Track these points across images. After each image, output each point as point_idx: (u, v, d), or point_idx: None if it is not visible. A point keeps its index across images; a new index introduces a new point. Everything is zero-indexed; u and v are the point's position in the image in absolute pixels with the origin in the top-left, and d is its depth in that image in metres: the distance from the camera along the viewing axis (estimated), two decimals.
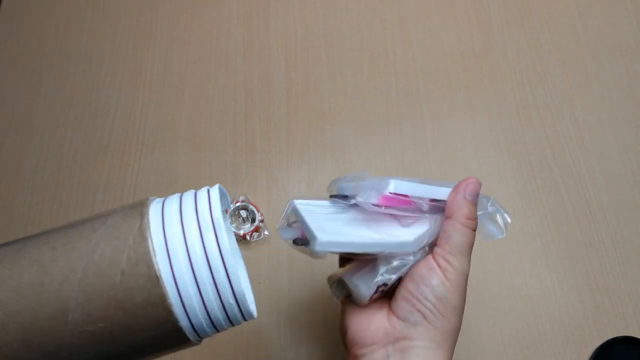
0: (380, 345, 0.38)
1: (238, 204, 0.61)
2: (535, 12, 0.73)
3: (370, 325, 0.39)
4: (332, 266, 0.61)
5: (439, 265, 0.38)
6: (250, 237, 0.61)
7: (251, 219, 0.62)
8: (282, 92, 0.69)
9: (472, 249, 0.40)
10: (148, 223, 0.31)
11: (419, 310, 0.37)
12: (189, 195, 0.34)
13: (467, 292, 0.59)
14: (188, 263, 0.30)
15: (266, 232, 0.61)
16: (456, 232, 0.39)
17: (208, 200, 0.33)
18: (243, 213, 0.62)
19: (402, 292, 0.38)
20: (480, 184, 0.40)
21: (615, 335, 0.56)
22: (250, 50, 0.72)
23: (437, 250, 0.39)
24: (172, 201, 0.34)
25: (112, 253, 0.30)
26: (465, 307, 0.58)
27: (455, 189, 0.40)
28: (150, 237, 0.30)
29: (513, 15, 0.73)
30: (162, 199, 0.35)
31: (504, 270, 0.60)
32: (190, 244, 0.31)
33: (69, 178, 0.65)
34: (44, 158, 0.66)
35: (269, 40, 0.72)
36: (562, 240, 0.61)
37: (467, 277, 0.40)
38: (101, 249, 0.30)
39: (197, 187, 0.64)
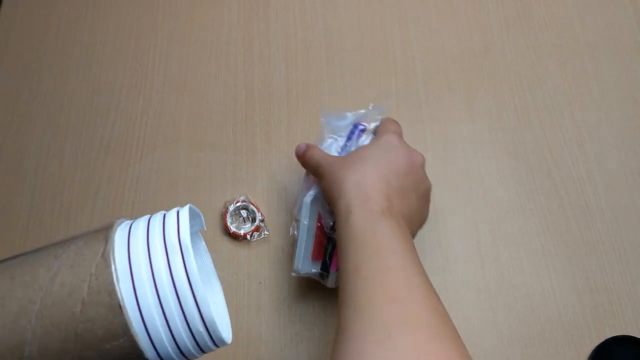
0: None
1: (238, 204, 0.62)
2: (535, 12, 0.74)
3: None
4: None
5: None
6: (251, 236, 0.61)
7: (251, 218, 0.62)
8: (282, 92, 0.69)
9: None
10: (112, 248, 0.29)
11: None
12: (157, 218, 0.32)
13: (468, 291, 0.60)
14: (154, 290, 0.29)
15: (266, 232, 0.62)
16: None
17: (177, 223, 0.31)
18: (243, 213, 0.62)
19: None
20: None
21: (613, 335, 0.57)
22: (250, 51, 0.72)
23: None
24: (140, 224, 0.32)
25: (72, 281, 0.28)
26: (465, 307, 0.59)
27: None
28: (114, 263, 0.29)
29: (512, 15, 0.73)
30: (130, 221, 0.33)
31: (503, 270, 0.60)
32: (156, 270, 0.29)
33: (70, 178, 0.65)
34: (44, 158, 0.66)
35: (269, 40, 0.72)
36: (561, 240, 0.61)
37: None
38: (61, 277, 0.28)
39: (198, 187, 0.65)
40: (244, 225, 0.62)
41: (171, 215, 0.32)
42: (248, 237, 0.61)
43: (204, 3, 0.75)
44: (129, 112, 0.69)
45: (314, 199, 0.54)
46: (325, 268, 0.55)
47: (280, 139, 0.67)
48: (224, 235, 0.62)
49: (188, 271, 0.29)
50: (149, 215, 0.33)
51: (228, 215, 0.61)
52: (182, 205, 0.34)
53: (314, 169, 0.53)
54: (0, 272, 0.29)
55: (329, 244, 0.55)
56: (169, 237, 0.30)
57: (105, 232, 0.30)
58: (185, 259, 0.29)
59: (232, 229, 0.61)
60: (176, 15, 0.74)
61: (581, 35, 0.72)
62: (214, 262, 0.61)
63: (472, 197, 0.64)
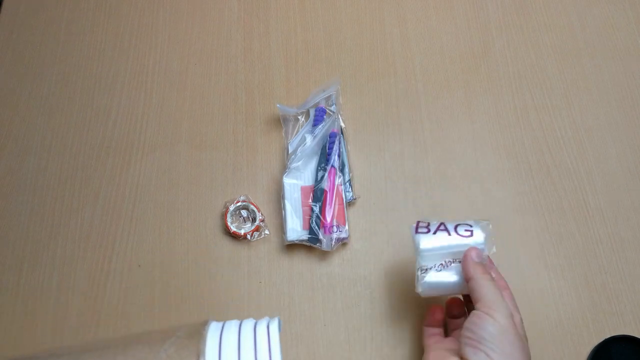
0: None
1: (239, 204, 0.62)
2: (534, 13, 0.74)
3: None
4: (329, 267, 0.61)
5: (486, 314, 0.45)
6: (251, 236, 0.61)
7: (252, 218, 0.62)
8: (282, 93, 0.69)
9: (501, 294, 0.47)
10: None
11: (482, 350, 0.44)
12: (248, 330, 0.34)
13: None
14: None
15: (267, 232, 0.62)
16: (479, 286, 0.47)
17: (267, 341, 0.34)
18: (244, 213, 0.62)
19: (464, 340, 0.45)
20: (478, 250, 0.50)
21: (613, 334, 0.57)
22: (250, 51, 0.72)
23: (477, 306, 0.46)
24: (230, 336, 0.33)
25: None
26: None
27: (465, 258, 0.49)
28: None
29: (511, 16, 0.74)
30: (220, 328, 0.34)
31: (502, 270, 0.60)
32: None
33: (71, 179, 0.65)
34: (45, 159, 0.66)
35: (269, 40, 0.73)
36: (560, 240, 0.62)
37: (511, 317, 0.46)
38: None
39: (198, 187, 0.65)
40: (244, 225, 0.62)
41: (262, 330, 0.35)
42: (248, 237, 0.61)
43: (204, 3, 0.75)
44: (130, 112, 0.69)
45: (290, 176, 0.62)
46: (313, 233, 0.59)
47: (281, 139, 0.67)
48: (224, 235, 0.62)
49: None
50: (238, 323, 0.35)
51: (228, 215, 0.62)
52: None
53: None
54: None
55: (313, 213, 0.60)
56: (260, 353, 0.33)
57: (197, 345, 0.31)
58: None
59: (232, 228, 0.61)
60: (176, 16, 0.75)
61: (580, 35, 0.72)
62: (214, 261, 0.61)
63: (471, 197, 0.64)
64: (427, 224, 0.53)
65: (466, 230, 0.52)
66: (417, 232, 0.53)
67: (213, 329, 0.33)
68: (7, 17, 0.75)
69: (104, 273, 0.61)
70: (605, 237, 0.62)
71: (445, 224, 0.53)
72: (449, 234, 0.52)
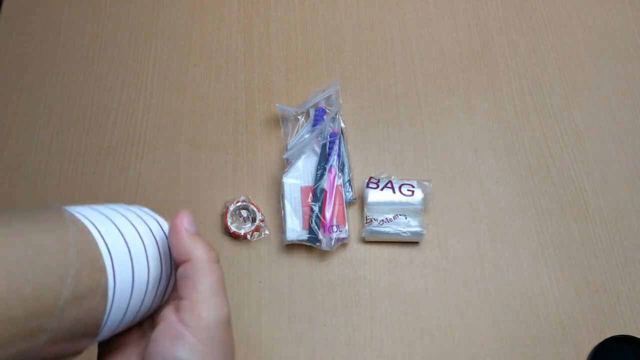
0: None
1: (239, 204, 0.62)
2: (534, 13, 0.74)
3: None
4: (329, 267, 0.61)
5: (185, 325, 0.30)
6: (251, 236, 0.61)
7: (252, 218, 0.62)
8: (282, 93, 0.69)
9: (224, 284, 0.33)
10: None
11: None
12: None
13: (467, 292, 0.60)
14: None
15: (267, 232, 0.62)
16: (202, 273, 0.32)
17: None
18: (244, 213, 0.62)
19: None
20: (189, 213, 0.34)
21: (613, 334, 0.57)
22: (250, 51, 0.72)
23: (183, 304, 0.31)
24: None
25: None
26: (465, 307, 0.59)
27: (174, 229, 0.33)
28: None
29: (511, 16, 0.74)
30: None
31: (502, 270, 0.60)
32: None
33: (71, 178, 0.65)
34: (45, 159, 0.66)
35: (269, 41, 0.73)
36: (560, 240, 0.62)
37: (229, 319, 0.32)
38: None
39: (198, 187, 0.65)
40: (244, 225, 0.62)
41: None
42: (248, 237, 0.61)
43: (205, 3, 0.75)
44: (130, 112, 0.69)
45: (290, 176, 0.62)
46: (313, 233, 0.59)
47: (281, 139, 0.67)
48: (224, 235, 0.62)
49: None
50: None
51: (228, 215, 0.61)
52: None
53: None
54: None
55: (312, 213, 0.60)
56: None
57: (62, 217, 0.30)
58: None
59: (233, 228, 0.61)
60: (176, 16, 0.75)
61: (580, 35, 0.72)
62: None
63: (471, 197, 0.64)
64: (377, 180, 0.61)
65: (408, 190, 0.61)
66: (367, 186, 0.61)
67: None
68: (7, 17, 0.75)
69: None
70: (605, 237, 0.62)
71: (392, 182, 0.61)
72: (394, 192, 0.61)
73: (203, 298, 0.31)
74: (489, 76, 0.70)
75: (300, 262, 0.61)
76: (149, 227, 0.34)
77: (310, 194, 0.61)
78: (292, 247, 0.61)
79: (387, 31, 0.73)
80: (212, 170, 0.65)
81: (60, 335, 0.27)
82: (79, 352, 0.29)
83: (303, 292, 0.60)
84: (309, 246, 0.60)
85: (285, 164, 0.64)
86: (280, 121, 0.67)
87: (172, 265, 0.35)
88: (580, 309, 0.58)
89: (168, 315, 0.31)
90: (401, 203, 0.60)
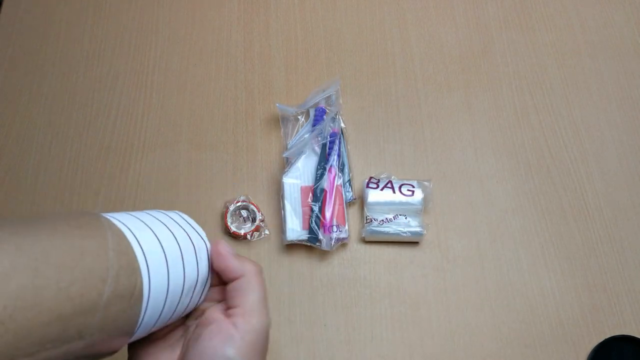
0: None
1: (239, 204, 0.62)
2: (534, 12, 0.74)
3: None
4: (329, 267, 0.61)
5: (237, 328, 0.35)
6: (251, 236, 0.61)
7: (252, 218, 0.62)
8: (282, 93, 0.69)
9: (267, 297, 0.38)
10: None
11: None
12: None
13: (468, 291, 0.60)
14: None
15: (267, 232, 0.62)
16: (252, 286, 0.37)
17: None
18: (244, 213, 0.62)
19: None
20: (223, 240, 0.39)
21: (613, 334, 0.57)
22: (250, 51, 0.72)
23: (235, 311, 0.36)
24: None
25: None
26: (465, 307, 0.59)
27: (218, 255, 0.37)
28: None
29: (511, 15, 0.74)
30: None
31: (502, 270, 0.60)
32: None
33: (71, 178, 0.65)
34: (45, 158, 0.66)
35: (269, 40, 0.73)
36: (560, 240, 0.62)
37: (269, 327, 0.37)
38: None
39: (198, 187, 0.65)
40: (244, 225, 0.62)
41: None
42: (248, 237, 0.61)
43: (205, 3, 0.75)
44: (130, 112, 0.69)
45: (291, 176, 0.62)
46: (313, 233, 0.59)
47: (281, 139, 0.67)
48: (224, 235, 0.62)
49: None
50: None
51: (228, 215, 0.62)
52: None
53: None
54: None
55: (312, 213, 0.60)
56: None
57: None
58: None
59: (233, 228, 0.61)
60: (176, 16, 0.75)
61: (580, 35, 0.72)
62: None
63: (471, 197, 0.64)
64: (377, 180, 0.61)
65: (408, 190, 0.61)
66: (367, 186, 0.61)
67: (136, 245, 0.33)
68: (7, 17, 0.75)
69: None
70: (605, 237, 0.62)
71: (392, 182, 0.61)
72: (394, 192, 0.60)
73: (253, 308, 0.36)
74: (489, 76, 0.70)
75: (300, 262, 0.61)
76: (186, 233, 0.36)
77: (310, 194, 0.61)
78: (292, 247, 0.61)
79: (387, 31, 0.73)
80: (212, 170, 0.65)
81: (100, 333, 0.29)
82: (114, 351, 0.31)
83: (303, 292, 0.60)
84: (309, 246, 0.60)
85: (285, 164, 0.64)
86: (280, 121, 0.67)
87: (209, 271, 0.38)
88: (580, 309, 0.58)
89: (219, 319, 0.36)
90: (401, 203, 0.60)
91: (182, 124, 0.68)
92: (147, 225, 0.34)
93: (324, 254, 0.61)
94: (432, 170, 0.65)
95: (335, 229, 0.59)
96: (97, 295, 0.28)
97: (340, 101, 0.67)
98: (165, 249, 0.33)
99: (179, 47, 0.73)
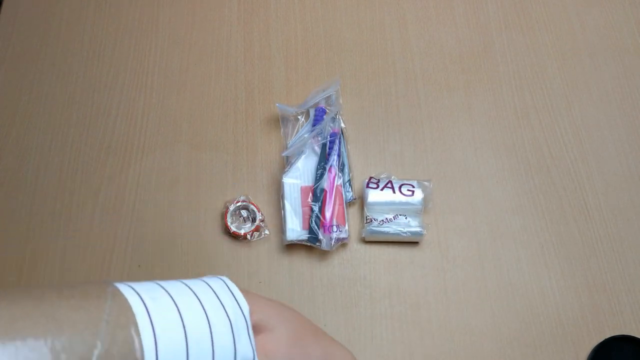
0: None
1: (239, 204, 0.62)
2: (534, 13, 0.74)
3: None
4: (329, 267, 0.61)
5: None
6: (251, 236, 0.61)
7: (252, 218, 0.62)
8: (282, 93, 0.69)
9: None
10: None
11: None
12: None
13: (468, 291, 0.60)
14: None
15: (267, 232, 0.62)
16: None
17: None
18: (244, 213, 0.62)
19: None
20: None
21: (613, 334, 0.57)
22: (250, 51, 0.72)
23: None
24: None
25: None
26: (465, 307, 0.59)
27: None
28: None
29: (511, 16, 0.74)
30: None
31: (502, 270, 0.60)
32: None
33: (71, 178, 0.65)
34: (45, 158, 0.66)
35: (269, 40, 0.73)
36: (560, 240, 0.62)
37: None
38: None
39: (198, 187, 0.65)
40: (244, 225, 0.62)
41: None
42: (248, 237, 0.61)
43: (205, 3, 0.75)
44: (130, 112, 0.69)
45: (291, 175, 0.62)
46: (313, 233, 0.59)
47: (281, 139, 0.67)
48: (224, 235, 0.62)
49: None
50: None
51: (228, 215, 0.61)
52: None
53: None
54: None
55: (312, 213, 0.60)
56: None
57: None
58: None
59: (233, 228, 0.61)
60: (176, 16, 0.75)
61: (580, 35, 0.72)
62: (214, 261, 0.61)
63: (471, 197, 0.64)
64: (377, 180, 0.61)
65: (408, 190, 0.60)
66: (367, 186, 0.61)
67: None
68: (7, 17, 0.75)
69: (104, 273, 0.61)
70: (605, 237, 0.62)
71: (392, 182, 0.61)
72: (394, 192, 0.60)
73: None
74: (489, 76, 0.70)
75: (300, 262, 0.61)
76: (221, 304, 0.31)
77: (310, 194, 0.61)
78: (292, 247, 0.61)
79: (387, 31, 0.73)
80: (212, 170, 0.65)
81: None
82: None
83: (303, 292, 0.60)
84: (309, 246, 0.60)
85: (285, 163, 0.64)
86: (280, 121, 0.67)
87: (254, 352, 0.32)
88: (580, 309, 0.58)
89: None
90: (401, 203, 0.60)
91: (182, 124, 0.68)
92: (168, 293, 0.29)
93: (324, 254, 0.61)
94: (432, 170, 0.65)
95: (335, 229, 0.59)
96: None
97: (340, 101, 0.67)
98: (185, 323, 0.28)
99: (179, 47, 0.73)
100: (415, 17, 0.74)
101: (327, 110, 0.65)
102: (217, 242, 0.62)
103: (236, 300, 0.32)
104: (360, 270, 0.61)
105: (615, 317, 0.58)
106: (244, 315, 0.32)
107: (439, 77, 0.70)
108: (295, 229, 0.60)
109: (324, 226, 0.59)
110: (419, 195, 0.60)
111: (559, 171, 0.65)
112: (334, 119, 0.64)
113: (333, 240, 0.59)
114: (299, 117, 0.66)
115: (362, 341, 0.58)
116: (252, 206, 0.62)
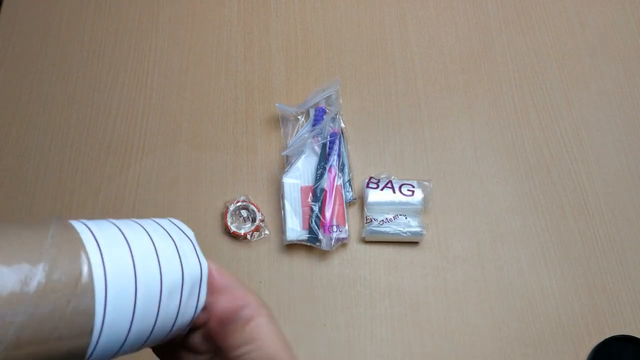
0: None
1: (239, 204, 0.62)
2: (534, 12, 0.74)
3: None
4: (329, 267, 0.61)
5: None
6: (251, 236, 0.61)
7: (252, 218, 0.62)
8: (282, 93, 0.69)
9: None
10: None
11: None
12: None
13: (468, 291, 0.60)
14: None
15: (266, 232, 0.62)
16: (271, 330, 0.35)
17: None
18: (244, 213, 0.62)
19: None
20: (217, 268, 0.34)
21: (613, 334, 0.57)
22: (250, 51, 0.72)
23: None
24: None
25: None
26: (465, 307, 0.59)
27: (219, 293, 0.33)
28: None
29: (511, 16, 0.74)
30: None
31: (502, 270, 0.60)
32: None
33: (71, 178, 0.65)
34: (45, 158, 0.66)
35: (269, 40, 0.73)
36: (560, 240, 0.62)
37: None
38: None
39: (198, 187, 0.65)
40: (244, 225, 0.62)
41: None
42: (248, 237, 0.61)
43: (205, 3, 0.75)
44: (130, 112, 0.69)
45: (291, 175, 0.62)
46: (313, 233, 0.59)
47: (281, 139, 0.67)
48: (224, 235, 0.62)
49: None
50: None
51: (228, 215, 0.61)
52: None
53: None
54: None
55: (312, 213, 0.60)
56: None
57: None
58: None
59: (233, 228, 0.61)
60: (176, 16, 0.75)
61: (580, 35, 0.72)
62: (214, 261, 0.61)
63: (471, 197, 0.64)
64: (377, 180, 0.61)
65: (408, 190, 0.61)
66: (367, 186, 0.61)
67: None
68: (7, 17, 0.75)
69: None
70: (605, 237, 0.62)
71: (392, 182, 0.61)
72: (394, 192, 0.60)
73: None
74: (489, 76, 0.70)
75: (300, 262, 0.61)
76: (164, 229, 0.32)
77: (310, 194, 0.61)
78: (292, 247, 0.61)
79: (387, 31, 0.73)
80: (212, 170, 0.65)
81: (32, 330, 0.25)
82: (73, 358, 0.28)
83: (303, 292, 0.60)
84: (309, 246, 0.60)
85: (285, 163, 0.64)
86: (280, 121, 0.67)
87: (201, 270, 0.33)
88: (580, 309, 0.58)
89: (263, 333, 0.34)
90: (401, 203, 0.60)
91: (182, 124, 0.68)
92: (113, 223, 0.30)
93: (324, 254, 0.61)
94: (432, 170, 0.65)
95: (335, 229, 0.59)
96: (21, 280, 0.25)
97: (340, 101, 0.67)
98: (129, 240, 0.29)
99: (179, 47, 0.73)
100: (415, 17, 0.74)
101: (327, 110, 0.65)
102: (217, 242, 0.62)
103: (179, 228, 0.34)
104: (360, 271, 0.61)
105: (615, 317, 0.58)
106: (188, 237, 0.33)
107: (439, 77, 0.70)
108: (295, 229, 0.60)
109: (324, 226, 0.59)
110: (419, 195, 0.60)
111: (559, 171, 0.65)
112: (334, 119, 0.64)
113: (333, 240, 0.59)
114: (299, 117, 0.66)
115: (362, 341, 0.58)
116: (252, 206, 0.62)
